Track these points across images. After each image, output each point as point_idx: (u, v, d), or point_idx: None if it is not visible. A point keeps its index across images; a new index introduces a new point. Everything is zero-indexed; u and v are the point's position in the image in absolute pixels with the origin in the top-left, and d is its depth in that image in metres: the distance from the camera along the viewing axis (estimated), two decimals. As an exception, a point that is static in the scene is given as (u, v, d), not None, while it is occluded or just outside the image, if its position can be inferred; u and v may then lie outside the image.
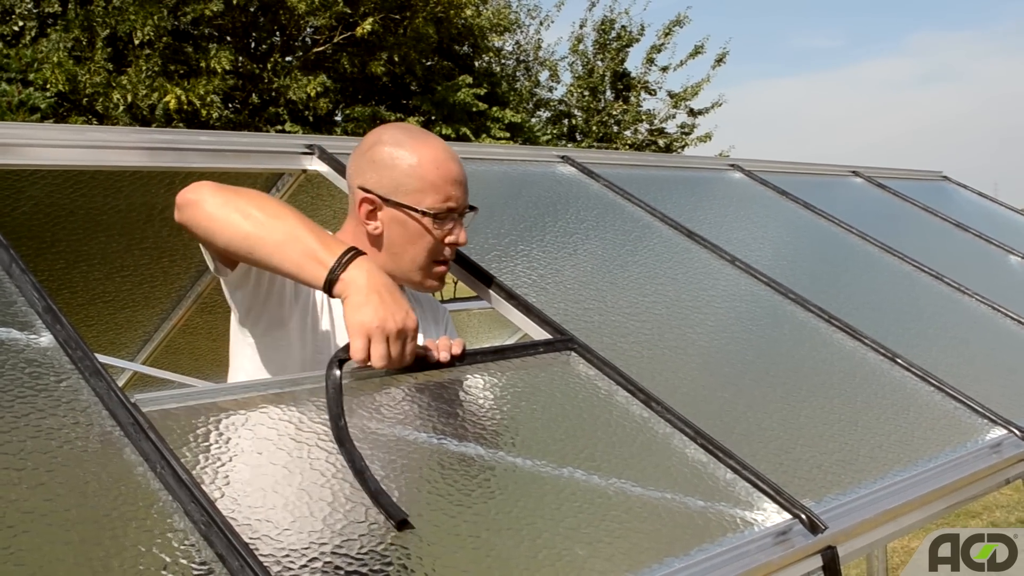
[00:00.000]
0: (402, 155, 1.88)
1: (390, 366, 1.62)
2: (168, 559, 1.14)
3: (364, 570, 1.27)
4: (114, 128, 2.24)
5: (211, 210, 1.68)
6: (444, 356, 1.78)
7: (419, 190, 1.87)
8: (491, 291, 2.17)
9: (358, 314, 1.59)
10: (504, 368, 1.89)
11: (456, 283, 2.32)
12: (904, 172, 5.31)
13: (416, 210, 1.87)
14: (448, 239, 1.91)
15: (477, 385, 1.82)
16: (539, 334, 2.07)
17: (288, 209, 1.71)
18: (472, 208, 1.97)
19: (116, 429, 1.30)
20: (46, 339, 1.43)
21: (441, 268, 1.95)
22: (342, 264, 1.61)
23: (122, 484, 1.23)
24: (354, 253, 1.64)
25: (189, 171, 2.38)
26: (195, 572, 1.14)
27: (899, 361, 2.60)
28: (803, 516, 1.72)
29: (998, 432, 2.40)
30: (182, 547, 1.16)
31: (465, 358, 1.83)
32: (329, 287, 1.62)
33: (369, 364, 1.60)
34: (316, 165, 2.45)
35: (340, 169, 2.35)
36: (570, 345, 2.03)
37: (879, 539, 1.93)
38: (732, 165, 4.13)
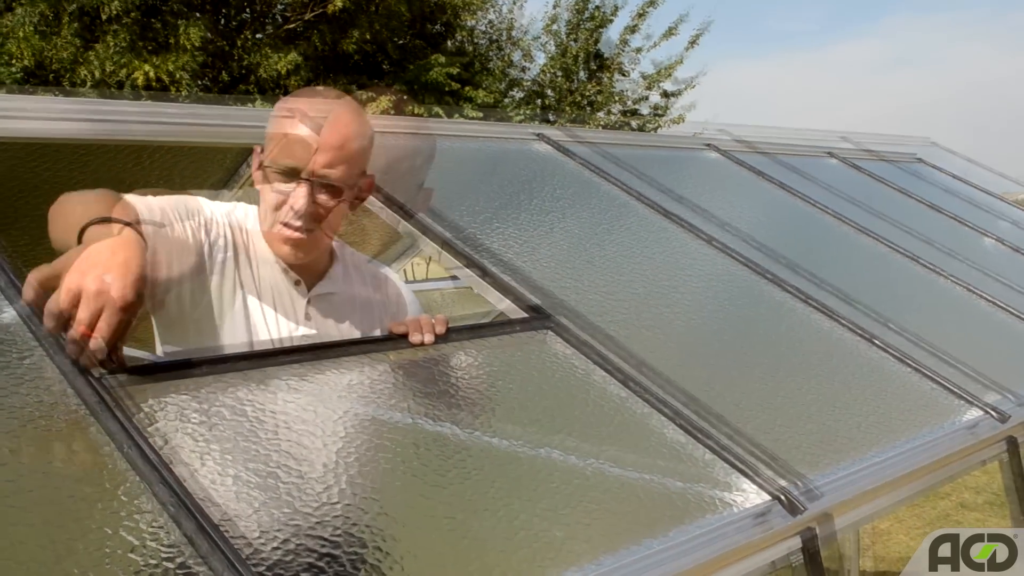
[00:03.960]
0: (283, 108, 1.83)
1: (64, 314, 1.31)
2: (136, 541, 1.10)
3: (337, 552, 1.24)
4: (80, 99, 2.18)
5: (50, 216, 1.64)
6: (428, 339, 1.76)
7: (272, 141, 1.81)
8: (466, 269, 2.14)
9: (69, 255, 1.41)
10: (480, 347, 1.86)
11: (429, 262, 2.28)
12: (881, 153, 5.31)
13: (263, 160, 1.81)
14: (288, 201, 1.77)
15: (453, 364, 1.79)
16: (516, 313, 2.04)
17: (95, 202, 1.59)
18: (329, 186, 1.77)
19: (81, 407, 1.26)
20: (8, 314, 1.38)
21: (285, 232, 1.78)
22: (93, 223, 1.47)
23: (87, 464, 1.19)
24: (110, 220, 1.48)
25: (159, 144, 2.33)
26: (164, 555, 1.11)
27: (876, 342, 2.60)
28: (782, 497, 1.71)
29: (975, 413, 2.40)
30: (150, 529, 1.13)
31: (449, 335, 1.80)
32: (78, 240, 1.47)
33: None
34: (288, 139, 2.40)
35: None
36: (547, 324, 2.00)
37: (858, 520, 1.93)
38: (708, 145, 4.11)
